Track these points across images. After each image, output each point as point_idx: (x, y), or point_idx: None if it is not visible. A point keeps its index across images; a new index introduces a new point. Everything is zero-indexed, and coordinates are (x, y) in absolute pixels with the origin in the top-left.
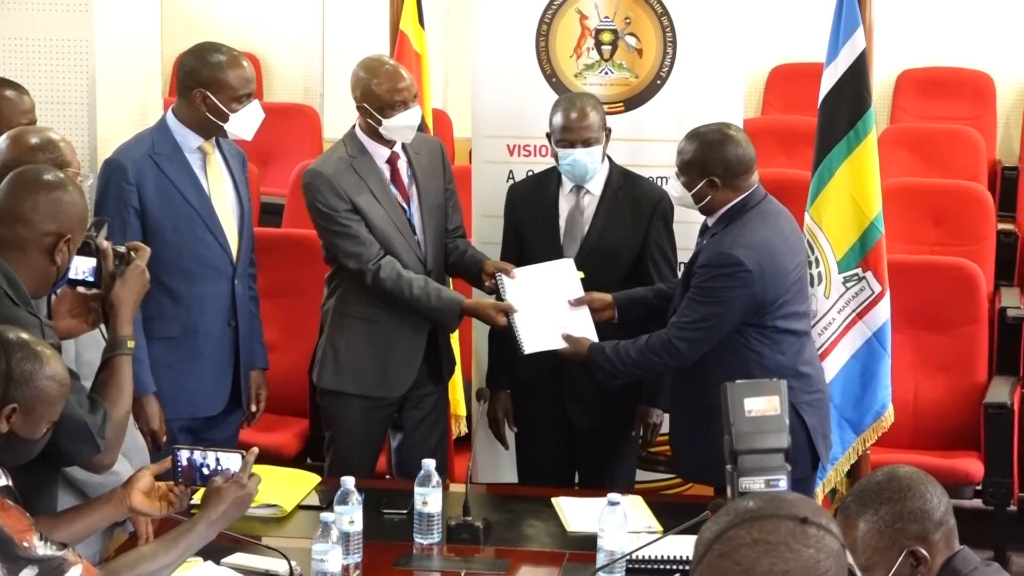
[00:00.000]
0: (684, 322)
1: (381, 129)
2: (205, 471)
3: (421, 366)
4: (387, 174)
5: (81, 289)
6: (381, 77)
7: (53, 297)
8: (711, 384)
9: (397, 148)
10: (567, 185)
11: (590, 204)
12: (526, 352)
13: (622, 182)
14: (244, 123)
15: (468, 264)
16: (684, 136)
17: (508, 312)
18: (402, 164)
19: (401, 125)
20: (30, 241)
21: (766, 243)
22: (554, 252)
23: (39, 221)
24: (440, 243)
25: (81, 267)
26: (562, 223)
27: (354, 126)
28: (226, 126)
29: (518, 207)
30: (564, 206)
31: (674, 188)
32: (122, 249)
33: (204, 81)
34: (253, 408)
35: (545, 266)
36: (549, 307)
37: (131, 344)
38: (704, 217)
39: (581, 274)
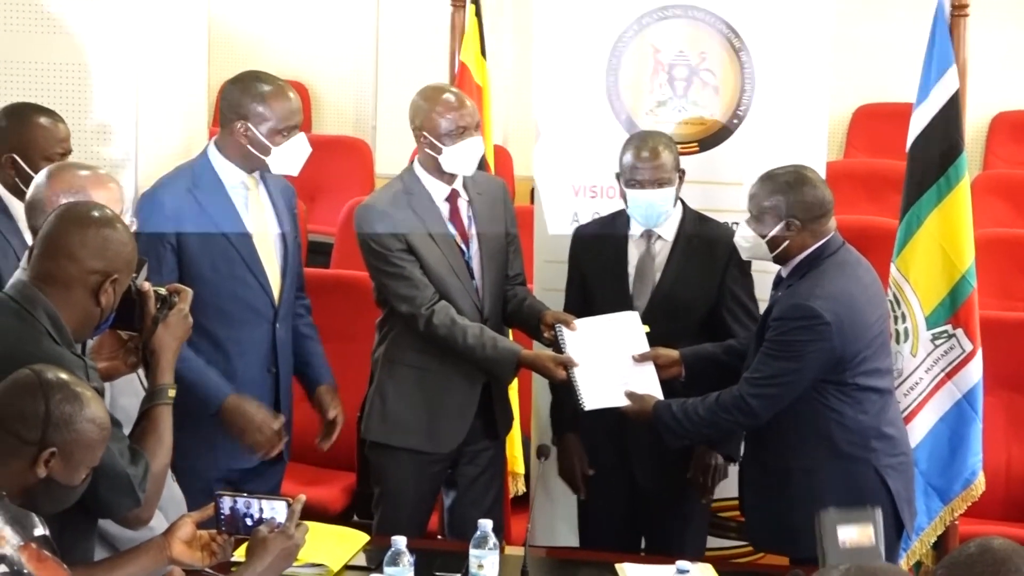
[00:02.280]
0: (757, 378)
1: (441, 159)
2: (249, 520)
3: (475, 420)
4: (446, 213)
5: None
6: (442, 104)
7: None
8: (787, 445)
9: (458, 186)
10: (637, 229)
11: (662, 250)
12: (586, 408)
13: (696, 227)
14: (288, 158)
15: (527, 314)
16: (756, 180)
17: (568, 366)
18: (462, 203)
19: (462, 155)
20: (75, 279)
21: (845, 294)
22: (622, 301)
23: (85, 257)
24: (499, 290)
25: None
26: (631, 270)
27: (412, 161)
28: (268, 160)
29: (584, 252)
30: (634, 252)
31: (745, 237)
32: (163, 291)
33: (245, 112)
34: (332, 415)
35: (608, 318)
36: (611, 362)
37: (172, 393)
38: (778, 268)
39: (646, 328)
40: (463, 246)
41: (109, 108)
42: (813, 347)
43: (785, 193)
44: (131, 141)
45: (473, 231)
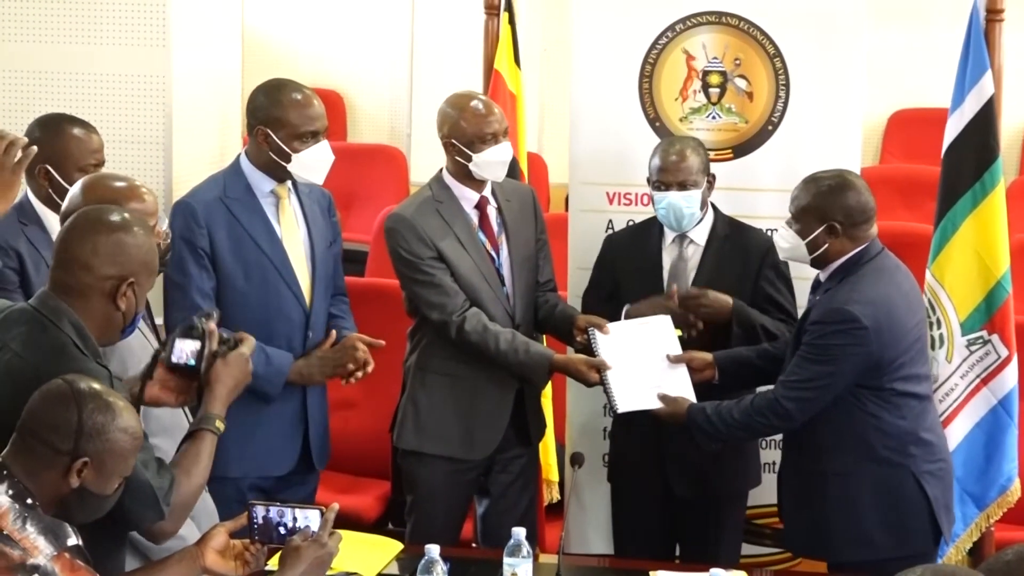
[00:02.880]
0: (793, 381)
1: (471, 166)
2: (282, 529)
3: (508, 427)
4: (475, 220)
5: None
6: (469, 111)
7: (149, 380)
8: (824, 450)
9: (487, 193)
10: (669, 235)
11: (694, 255)
12: (619, 411)
13: (728, 231)
14: (310, 164)
15: (559, 319)
16: (799, 183)
17: (601, 369)
18: (491, 210)
19: (492, 160)
20: (91, 287)
21: (884, 299)
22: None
23: (99, 265)
24: (530, 296)
25: (185, 350)
26: (665, 275)
27: (441, 169)
28: (289, 167)
29: (616, 258)
30: (667, 258)
31: (784, 238)
32: (228, 335)
33: (265, 118)
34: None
35: (641, 322)
36: (644, 366)
37: (220, 425)
38: (816, 273)
39: (679, 332)
40: (494, 253)
41: (143, 118)
42: (850, 351)
43: (827, 197)
44: (164, 150)
45: (503, 238)
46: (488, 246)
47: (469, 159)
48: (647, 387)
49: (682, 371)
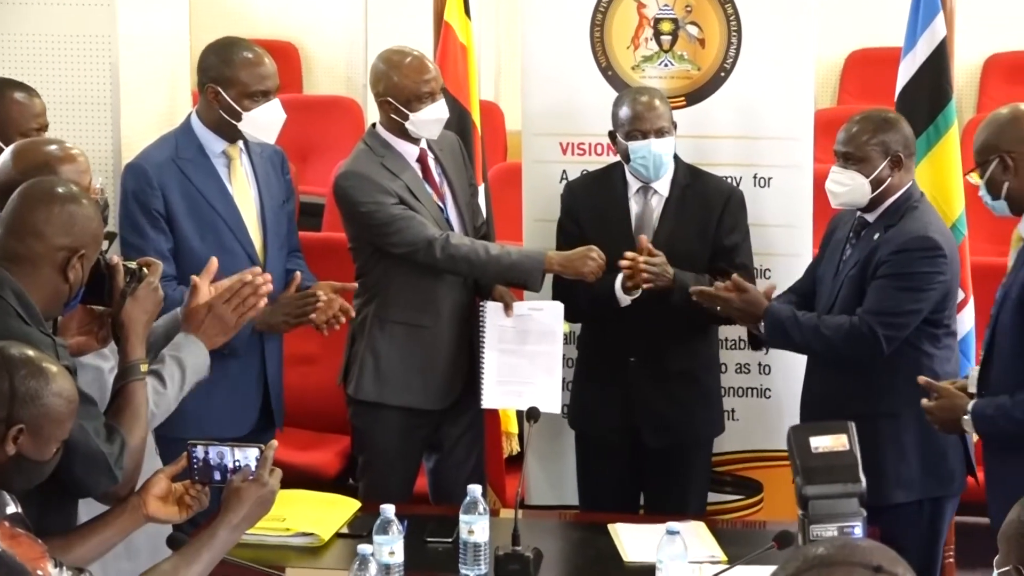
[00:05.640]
0: (886, 311)
1: (408, 124)
2: (222, 469)
3: (468, 376)
4: (419, 172)
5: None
6: (406, 69)
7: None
8: (877, 391)
9: (424, 146)
10: (633, 185)
11: (658, 204)
12: (483, 406)
13: (689, 179)
14: (260, 123)
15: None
16: (849, 123)
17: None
18: (432, 162)
19: (429, 119)
20: (42, 256)
21: (948, 232)
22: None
23: (52, 235)
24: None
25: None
26: (633, 225)
27: (373, 125)
28: (240, 126)
29: (581, 207)
30: (634, 207)
31: (840, 182)
32: (133, 265)
33: (216, 77)
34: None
35: (535, 305)
36: (522, 353)
37: (144, 368)
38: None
39: (567, 327)
40: (440, 203)
41: (88, 79)
42: (936, 279)
43: (887, 131)
44: (112, 112)
45: (446, 187)
46: (435, 197)
47: (406, 118)
48: (516, 381)
49: (556, 362)
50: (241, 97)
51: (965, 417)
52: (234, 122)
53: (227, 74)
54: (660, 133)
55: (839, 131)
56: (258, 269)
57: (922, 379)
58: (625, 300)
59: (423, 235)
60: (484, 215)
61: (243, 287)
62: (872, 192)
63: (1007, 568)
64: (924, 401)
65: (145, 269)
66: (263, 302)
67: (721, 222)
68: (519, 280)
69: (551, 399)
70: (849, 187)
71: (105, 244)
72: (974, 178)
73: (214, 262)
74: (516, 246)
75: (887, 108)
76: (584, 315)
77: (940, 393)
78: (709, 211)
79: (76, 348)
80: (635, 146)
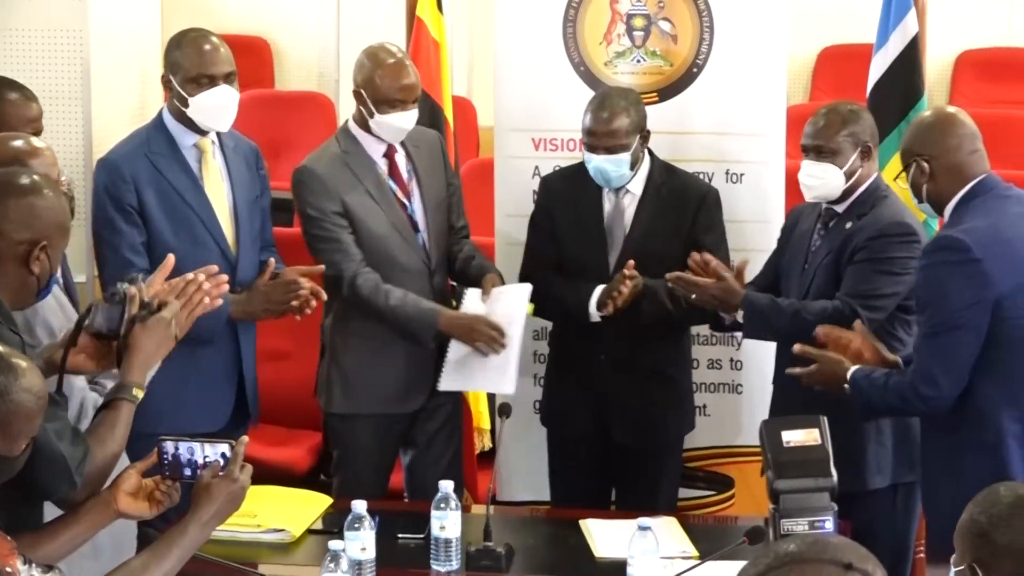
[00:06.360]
0: (868, 291)
1: (372, 123)
2: (192, 464)
3: (435, 375)
4: (384, 168)
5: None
6: (385, 69)
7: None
8: None
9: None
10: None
11: (631, 204)
12: (439, 388)
13: (664, 177)
14: (207, 109)
15: (474, 273)
16: (815, 118)
17: (495, 330)
18: (400, 158)
19: (392, 125)
20: (3, 252)
21: (919, 222)
22: (601, 257)
23: (11, 230)
24: (444, 242)
25: (107, 317)
26: (605, 222)
27: (348, 120)
28: (188, 112)
29: (555, 204)
30: (607, 206)
31: (813, 175)
32: (149, 299)
33: (168, 65)
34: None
35: (504, 289)
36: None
37: (137, 392)
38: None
39: (530, 308)
40: (405, 200)
41: (60, 74)
42: (911, 264)
43: (855, 122)
44: (83, 107)
45: (414, 185)
46: (399, 193)
47: (372, 115)
48: (472, 364)
49: (513, 345)
50: (186, 83)
51: (846, 385)
52: (183, 108)
53: (175, 60)
54: (611, 150)
55: (806, 125)
56: (214, 268)
57: (797, 347)
58: (596, 317)
59: (340, 266)
60: (465, 219)
61: (187, 285)
62: (845, 183)
63: (963, 567)
64: (798, 370)
65: (162, 306)
66: (218, 302)
67: (696, 221)
68: (413, 334)
69: (504, 382)
70: (823, 180)
71: (129, 287)
72: (902, 181)
73: (170, 259)
74: (416, 299)
75: (850, 100)
76: (556, 317)
77: (817, 360)
78: (683, 210)
79: (73, 367)
80: (587, 157)
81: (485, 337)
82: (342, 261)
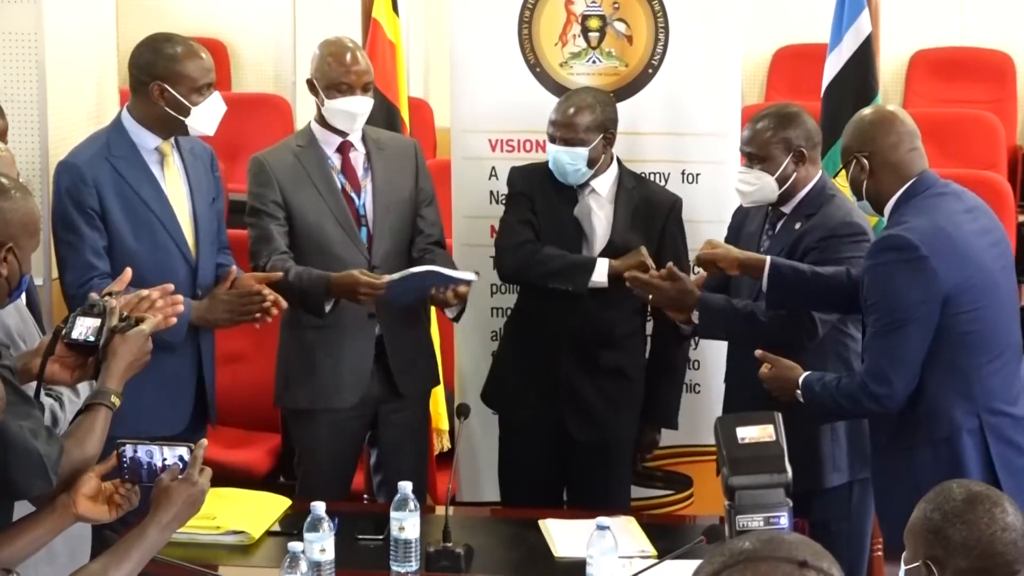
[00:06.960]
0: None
1: (323, 110)
2: (151, 468)
3: (383, 378)
4: (337, 163)
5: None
6: (332, 58)
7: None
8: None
9: (354, 139)
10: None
11: (603, 206)
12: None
13: (634, 183)
14: (206, 117)
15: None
16: (749, 125)
17: (376, 288)
18: (357, 155)
19: (341, 110)
20: None
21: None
22: (576, 251)
23: None
24: (398, 241)
25: (86, 327)
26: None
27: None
28: (187, 121)
29: (536, 193)
30: (581, 204)
31: (747, 181)
32: (126, 313)
33: (161, 73)
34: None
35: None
36: None
37: (115, 400)
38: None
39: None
40: (354, 195)
41: (15, 76)
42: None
43: (787, 128)
44: (39, 110)
45: (368, 181)
46: (349, 187)
47: (323, 103)
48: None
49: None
50: (190, 92)
51: (798, 391)
52: (181, 117)
53: (175, 69)
54: (568, 143)
55: (743, 130)
56: (170, 287)
57: (759, 352)
58: (600, 281)
59: (259, 255)
60: (441, 229)
61: (140, 302)
62: (780, 188)
63: (916, 564)
64: (762, 370)
65: (142, 321)
66: (172, 321)
67: (665, 230)
68: (310, 305)
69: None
70: (756, 186)
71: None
72: (842, 179)
73: (127, 272)
74: (312, 271)
75: (789, 103)
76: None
77: (774, 364)
78: (654, 218)
79: (49, 374)
80: (548, 146)
81: (364, 289)
82: (262, 249)
